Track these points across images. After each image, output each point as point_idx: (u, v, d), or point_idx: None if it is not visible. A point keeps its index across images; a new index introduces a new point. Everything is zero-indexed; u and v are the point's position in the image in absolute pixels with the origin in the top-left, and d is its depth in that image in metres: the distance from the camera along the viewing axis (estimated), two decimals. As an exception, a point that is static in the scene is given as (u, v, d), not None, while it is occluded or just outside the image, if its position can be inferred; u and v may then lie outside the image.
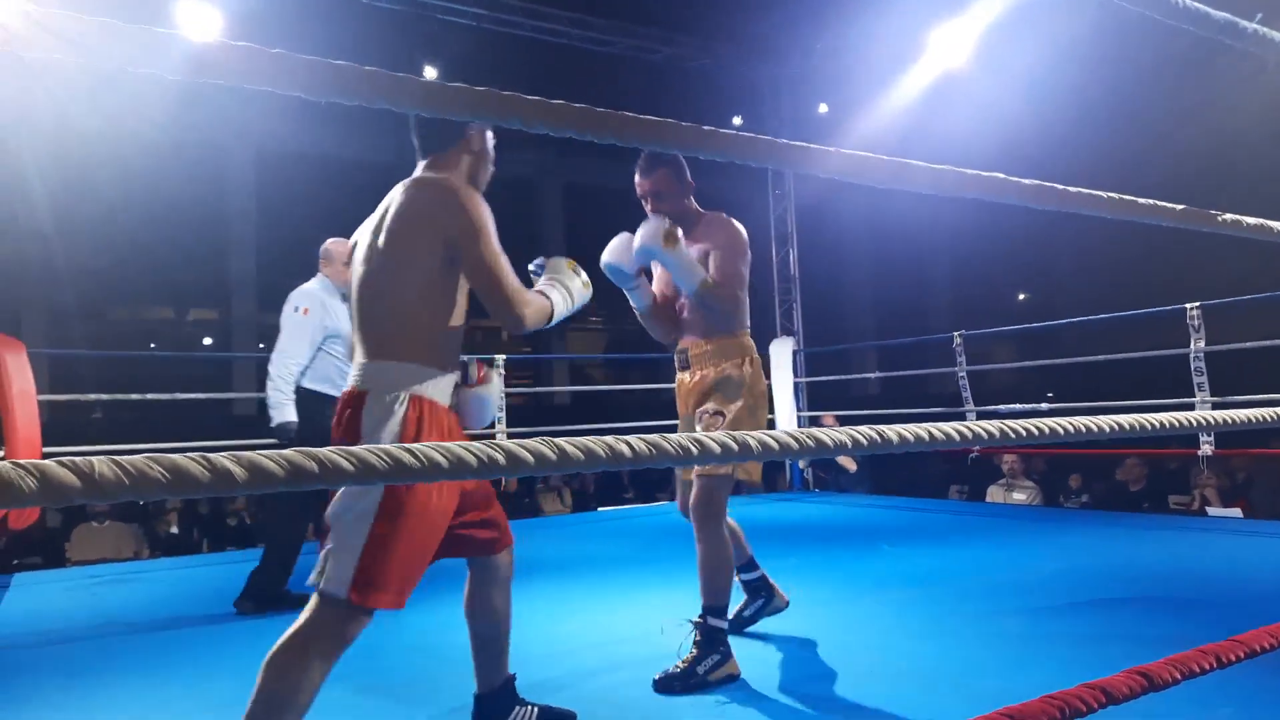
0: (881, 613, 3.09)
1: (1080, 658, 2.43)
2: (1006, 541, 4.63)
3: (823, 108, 8.41)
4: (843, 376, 8.49)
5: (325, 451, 0.61)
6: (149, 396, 5.47)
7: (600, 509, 8.95)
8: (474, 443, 0.69)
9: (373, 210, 1.89)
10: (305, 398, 3.51)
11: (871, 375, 9.34)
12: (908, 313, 19.48)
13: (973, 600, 3.20)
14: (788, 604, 2.90)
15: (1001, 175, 1.01)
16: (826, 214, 13.36)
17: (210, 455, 0.59)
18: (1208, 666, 1.05)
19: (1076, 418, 1.03)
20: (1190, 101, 10.64)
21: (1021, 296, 20.06)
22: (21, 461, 0.55)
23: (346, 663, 1.68)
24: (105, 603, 3.82)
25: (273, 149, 14.66)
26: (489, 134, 1.97)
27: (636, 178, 2.63)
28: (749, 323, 2.64)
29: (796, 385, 7.76)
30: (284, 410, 3.49)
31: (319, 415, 3.31)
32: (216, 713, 2.26)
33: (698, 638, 2.37)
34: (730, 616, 2.54)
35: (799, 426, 7.76)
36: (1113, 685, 0.98)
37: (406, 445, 0.65)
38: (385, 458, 0.63)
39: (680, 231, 2.47)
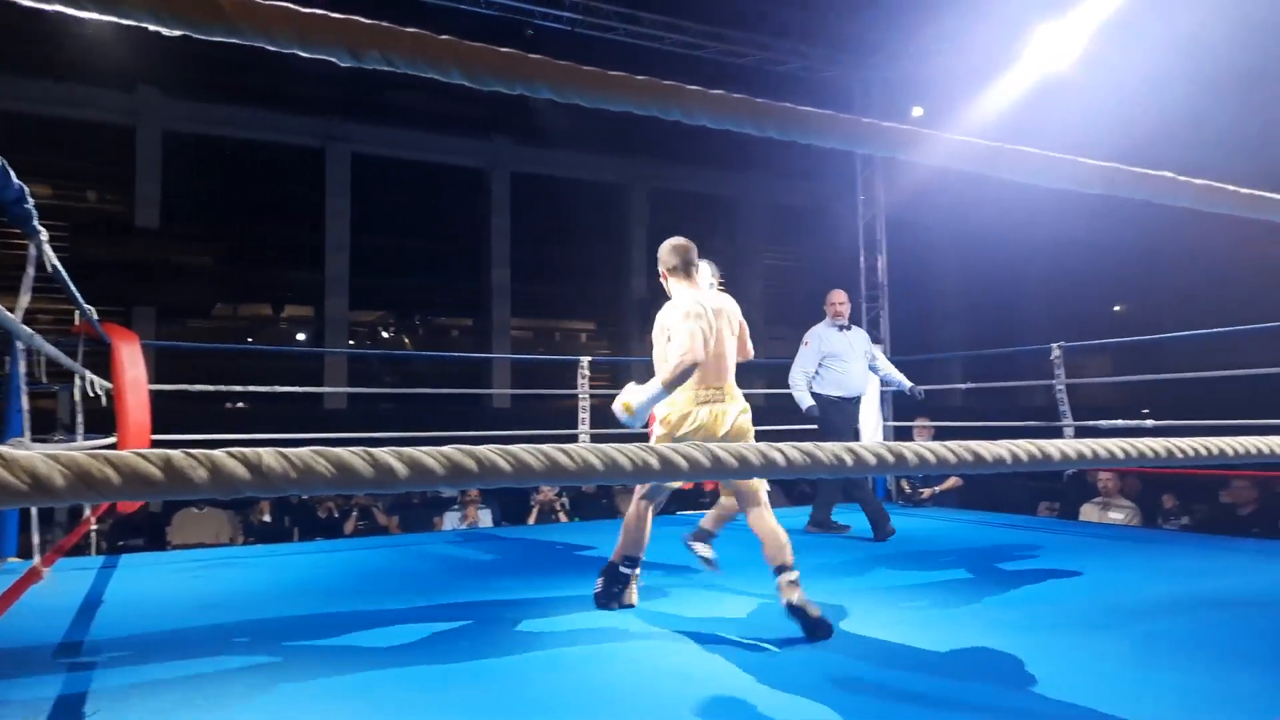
0: (978, 633, 2.98)
1: (1214, 700, 2.30)
2: (1106, 563, 4.42)
3: (917, 111, 8.22)
4: (932, 386, 8.24)
5: (483, 450, 0.60)
6: (250, 389, 5.66)
7: (679, 513, 8.92)
8: (627, 445, 0.67)
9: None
10: (820, 400, 5.35)
11: (962, 386, 9.05)
12: (996, 323, 18.91)
13: (1072, 626, 3.06)
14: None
15: (1172, 175, 0.95)
16: (913, 223, 13.07)
17: (374, 451, 0.58)
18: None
19: (1247, 439, 0.96)
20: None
21: (1117, 308, 19.27)
22: (194, 452, 0.56)
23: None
24: (210, 586, 3.96)
25: (368, 152, 15.09)
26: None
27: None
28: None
29: (883, 394, 7.60)
30: (803, 400, 5.35)
31: (830, 411, 5.31)
32: (323, 688, 2.31)
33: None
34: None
35: (884, 435, 7.60)
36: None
37: (562, 446, 0.64)
38: (542, 458, 0.61)
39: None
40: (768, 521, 3.09)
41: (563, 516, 7.50)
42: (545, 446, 0.61)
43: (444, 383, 13.95)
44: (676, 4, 7.50)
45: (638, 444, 0.65)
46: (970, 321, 19.59)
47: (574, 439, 6.56)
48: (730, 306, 3.37)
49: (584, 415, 6.47)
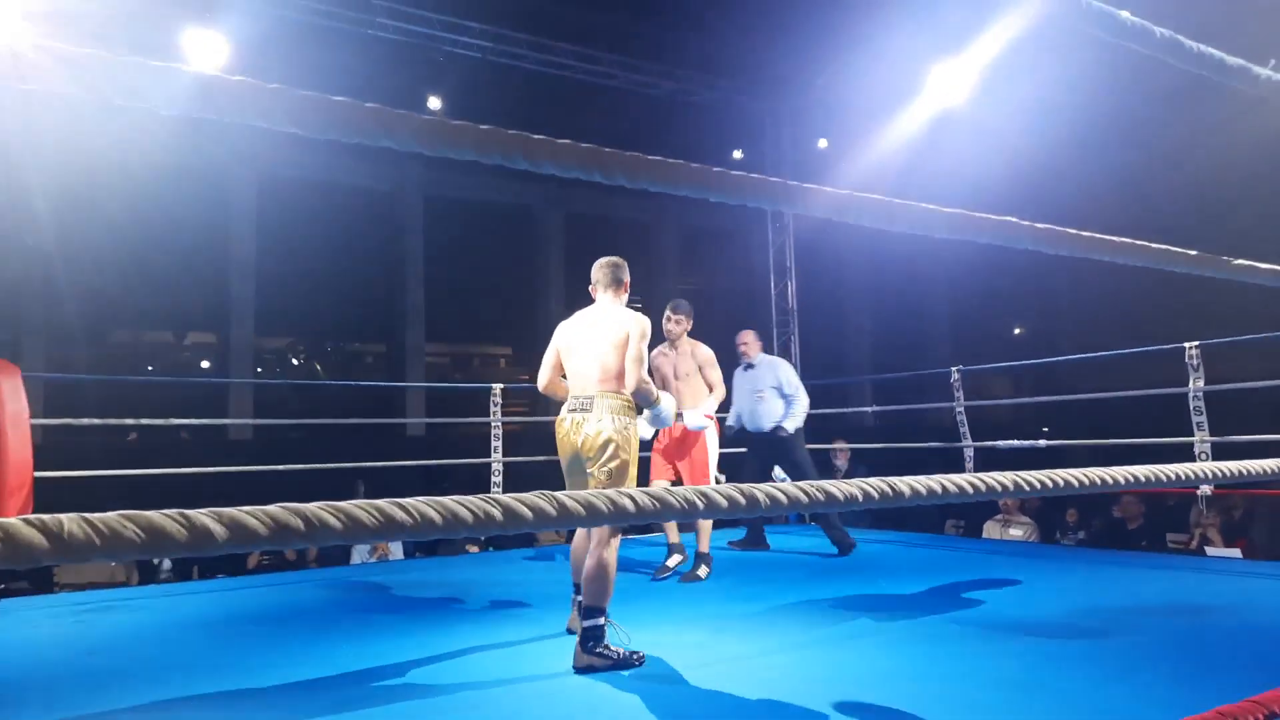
0: (879, 650, 3.04)
1: (1088, 705, 2.38)
2: (1005, 579, 4.57)
3: (822, 143, 8.45)
4: (840, 410, 8.44)
5: (312, 508, 0.58)
6: (144, 422, 5.42)
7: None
8: (469, 497, 0.65)
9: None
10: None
11: (869, 409, 9.29)
12: (906, 346, 19.47)
13: (972, 639, 3.15)
14: None
15: (1013, 219, 0.99)
16: (825, 247, 13.41)
17: (188, 512, 0.56)
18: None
19: (1091, 469, 1.00)
20: (1194, 129, 10.69)
21: (1017, 330, 20.07)
22: (-11, 518, 0.52)
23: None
24: (93, 631, 3.76)
25: (274, 174, 14.70)
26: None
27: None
28: None
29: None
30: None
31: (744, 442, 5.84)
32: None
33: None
34: None
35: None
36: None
37: (399, 501, 0.62)
38: (376, 514, 0.60)
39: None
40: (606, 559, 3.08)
41: (474, 547, 7.37)
42: (380, 502, 0.60)
43: (356, 409, 13.62)
44: (588, 34, 7.56)
45: (479, 495, 0.64)
46: (881, 343, 20.12)
47: (488, 467, 6.48)
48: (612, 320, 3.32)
49: (496, 443, 6.39)
